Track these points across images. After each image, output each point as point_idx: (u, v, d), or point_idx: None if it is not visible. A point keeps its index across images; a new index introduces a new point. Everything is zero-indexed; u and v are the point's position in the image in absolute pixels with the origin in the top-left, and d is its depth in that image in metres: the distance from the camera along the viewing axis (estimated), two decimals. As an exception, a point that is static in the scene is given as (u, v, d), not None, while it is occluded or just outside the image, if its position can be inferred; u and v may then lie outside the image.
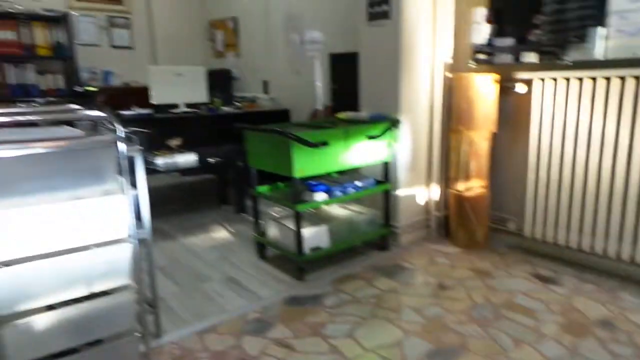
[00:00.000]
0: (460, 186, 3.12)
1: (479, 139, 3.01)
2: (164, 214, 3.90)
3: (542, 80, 2.74)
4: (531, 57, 2.82)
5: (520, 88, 2.91)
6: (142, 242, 1.87)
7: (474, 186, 3.09)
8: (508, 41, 2.91)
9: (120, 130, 1.51)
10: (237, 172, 3.90)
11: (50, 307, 1.53)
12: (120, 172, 1.61)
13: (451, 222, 3.26)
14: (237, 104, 4.75)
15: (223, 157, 3.88)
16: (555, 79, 2.68)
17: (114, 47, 5.82)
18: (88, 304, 1.56)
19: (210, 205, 4.29)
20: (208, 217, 3.95)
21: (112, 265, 1.59)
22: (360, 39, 3.19)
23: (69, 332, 1.54)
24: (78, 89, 3.59)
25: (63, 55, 5.09)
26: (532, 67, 2.82)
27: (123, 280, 1.61)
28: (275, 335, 2.13)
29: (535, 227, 2.95)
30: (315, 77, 3.04)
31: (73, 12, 5.38)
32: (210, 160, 3.81)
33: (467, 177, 3.08)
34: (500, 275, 2.76)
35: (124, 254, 1.61)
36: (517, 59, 2.89)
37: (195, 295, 2.54)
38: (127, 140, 1.55)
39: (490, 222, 3.22)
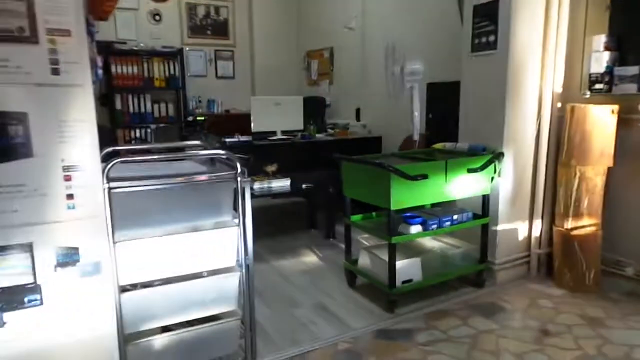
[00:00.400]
0: (569, 223, 2.89)
1: (593, 174, 2.78)
2: (255, 236, 4.08)
3: None
4: None
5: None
6: (246, 269, 1.98)
7: (584, 224, 2.85)
8: (631, 69, 2.68)
9: (239, 167, 1.64)
10: (328, 198, 3.98)
11: (167, 330, 1.68)
12: (234, 205, 1.73)
13: (556, 261, 3.03)
14: (330, 130, 4.88)
15: (315, 183, 3.99)
16: None
17: (218, 77, 6.31)
18: (200, 328, 1.69)
19: (300, 229, 4.41)
20: (298, 240, 4.07)
21: (222, 292, 1.71)
22: (463, 69, 3.14)
23: (182, 352, 1.67)
24: (189, 118, 3.94)
25: (175, 86, 5.64)
26: None
27: (231, 305, 1.72)
28: (368, 369, 2.12)
29: (658, 273, 2.64)
30: (413, 106, 3.04)
31: (186, 47, 5.96)
32: (303, 186, 3.95)
33: (576, 215, 2.86)
34: (615, 324, 2.50)
35: (233, 281, 1.72)
36: (641, 87, 2.65)
37: (288, 321, 2.61)
38: (242, 174, 1.68)
39: (603, 264, 2.94)
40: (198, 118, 3.95)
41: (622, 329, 2.45)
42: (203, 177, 1.61)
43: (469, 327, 2.51)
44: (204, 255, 1.73)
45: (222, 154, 1.72)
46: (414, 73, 3.00)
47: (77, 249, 1.39)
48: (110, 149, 1.72)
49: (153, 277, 1.61)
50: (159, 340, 1.64)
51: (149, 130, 5.70)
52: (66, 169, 1.34)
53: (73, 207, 1.37)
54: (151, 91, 5.59)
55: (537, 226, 3.13)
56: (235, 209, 1.79)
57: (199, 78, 6.14)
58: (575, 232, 2.88)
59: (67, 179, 1.34)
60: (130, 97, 5.49)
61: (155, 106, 5.68)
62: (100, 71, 1.70)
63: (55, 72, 1.29)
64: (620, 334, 2.41)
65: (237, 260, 1.82)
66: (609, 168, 2.82)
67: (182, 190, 1.64)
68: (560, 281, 3.00)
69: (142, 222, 1.61)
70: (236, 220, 1.77)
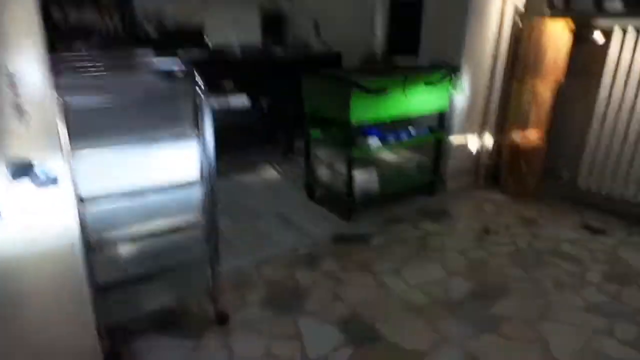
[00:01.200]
0: (516, 135, 3.07)
1: (544, 88, 2.91)
2: (216, 152, 4.09)
3: (624, 30, 2.59)
4: (615, 4, 2.63)
5: (598, 37, 2.74)
6: (208, 178, 2.03)
7: (530, 136, 3.03)
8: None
9: (200, 81, 1.62)
10: (288, 114, 3.99)
11: (132, 240, 1.75)
12: (195, 119, 1.74)
13: (502, 170, 3.25)
14: (289, 46, 4.75)
15: (274, 99, 3.97)
16: (639, 29, 2.53)
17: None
18: (163, 237, 1.76)
19: (260, 145, 4.44)
20: (258, 156, 4.12)
21: (186, 202, 1.77)
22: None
23: (148, 259, 1.76)
24: (137, 32, 3.71)
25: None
26: (614, 15, 2.64)
27: (193, 216, 1.80)
28: (325, 269, 2.31)
29: (590, 179, 2.91)
30: (375, 22, 3.00)
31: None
32: (263, 103, 3.93)
33: (524, 127, 3.03)
34: (547, 224, 2.79)
35: (196, 191, 1.78)
36: (598, 6, 2.70)
37: (250, 231, 2.74)
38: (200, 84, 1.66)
39: (543, 172, 3.18)
40: (148, 33, 3.72)
41: (552, 227, 2.74)
42: (163, 90, 1.59)
43: (419, 230, 2.72)
44: (166, 168, 1.75)
45: (180, 67, 1.69)
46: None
47: (31, 161, 1.39)
48: (56, 60, 1.64)
49: (114, 188, 1.64)
50: (124, 248, 1.71)
51: (93, 42, 5.32)
52: (11, 77, 1.29)
53: (23, 119, 1.34)
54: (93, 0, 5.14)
55: (488, 139, 3.31)
56: (196, 121, 1.80)
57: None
58: (521, 144, 3.07)
59: (13, 86, 1.30)
60: (68, 5, 5.03)
61: (99, 18, 5.24)
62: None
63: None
64: (550, 231, 2.69)
65: (199, 172, 1.87)
66: (559, 83, 2.95)
67: (141, 102, 1.62)
68: (505, 188, 3.25)
69: (97, 134, 1.60)
70: (197, 132, 1.79)
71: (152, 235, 1.80)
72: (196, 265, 1.89)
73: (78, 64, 1.76)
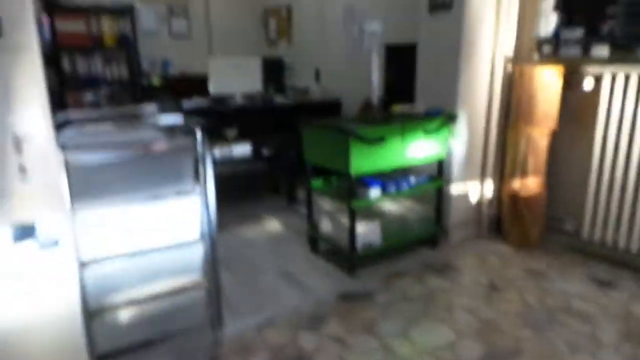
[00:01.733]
0: (516, 184, 3.06)
1: (539, 135, 2.93)
2: (217, 203, 4.06)
3: (614, 75, 2.62)
4: (603, 51, 2.68)
5: (588, 83, 2.78)
6: (210, 238, 1.99)
7: (530, 184, 3.02)
8: (577, 32, 2.78)
9: (199, 135, 1.61)
10: (290, 163, 3.99)
11: (132, 303, 1.68)
12: (195, 173, 1.72)
13: (504, 220, 3.22)
14: (289, 93, 4.83)
15: (276, 148, 3.98)
16: (628, 75, 2.56)
17: (173, 36, 6.02)
18: (164, 300, 1.70)
19: (262, 195, 4.42)
20: (260, 207, 4.08)
21: (186, 263, 1.71)
22: (419, 30, 3.16)
23: (149, 325, 1.68)
24: (143, 82, 3.78)
25: (127, 45, 5.33)
26: (603, 61, 2.69)
27: (196, 276, 1.74)
28: (330, 331, 2.21)
29: (594, 229, 2.87)
30: (372, 69, 3.05)
31: (137, 2, 5.61)
32: (265, 151, 3.94)
33: (523, 175, 3.02)
34: (555, 277, 2.72)
35: (197, 251, 1.73)
36: (586, 51, 2.76)
37: (252, 288, 2.66)
38: (202, 142, 1.65)
39: (546, 221, 3.15)
40: (152, 82, 3.79)
41: (560, 280, 2.67)
42: (163, 146, 1.58)
43: (425, 286, 2.65)
44: (167, 227, 1.72)
45: (182, 123, 1.68)
46: (373, 33, 2.97)
47: (33, 222, 1.35)
48: (62, 116, 1.64)
49: (114, 250, 1.59)
50: (124, 314, 1.64)
51: (100, 93, 5.42)
52: (17, 139, 1.28)
53: (27, 180, 1.32)
54: (101, 51, 5.27)
55: (488, 187, 3.29)
56: (197, 177, 1.77)
57: (152, 36, 5.84)
58: (521, 192, 3.04)
59: (18, 149, 1.28)
60: (78, 57, 5.16)
61: (107, 68, 5.37)
62: (46, 33, 1.59)
63: (-2, 35, 1.20)
64: (559, 284, 2.62)
65: (201, 230, 1.83)
66: (554, 130, 2.97)
67: (142, 158, 1.61)
68: (508, 239, 3.20)
69: (99, 193, 1.57)
70: (198, 189, 1.76)
71: (153, 298, 1.74)
72: (198, 330, 1.81)
73: (83, 120, 1.76)
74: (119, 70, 5.40)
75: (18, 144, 1.28)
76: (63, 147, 1.39)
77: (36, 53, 1.25)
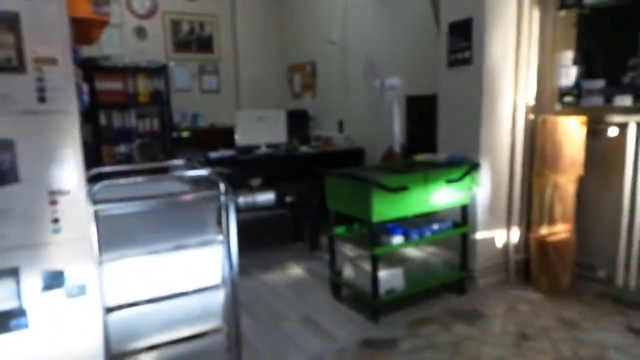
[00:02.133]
0: (544, 230, 3.00)
1: (565, 182, 2.90)
2: (240, 249, 4.12)
3: (639, 123, 2.62)
4: (625, 100, 2.69)
5: (613, 131, 2.78)
6: (231, 285, 2.03)
7: (558, 230, 2.96)
8: (598, 83, 2.81)
9: (223, 186, 1.69)
10: (312, 210, 4.04)
11: (153, 348, 1.72)
12: (218, 223, 1.79)
13: (533, 266, 3.13)
14: (313, 143, 4.96)
15: (299, 195, 4.06)
16: None
17: (203, 91, 6.37)
18: (185, 345, 1.73)
19: (285, 241, 4.45)
20: (283, 253, 4.11)
21: (208, 309, 1.75)
22: (440, 83, 3.25)
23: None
24: (173, 134, 3.99)
25: (160, 101, 5.66)
26: (626, 110, 2.70)
27: (217, 322, 1.77)
28: (352, 379, 2.17)
29: (628, 276, 2.76)
30: (393, 119, 3.14)
31: (171, 62, 6.01)
32: (287, 199, 4.02)
33: (551, 221, 2.97)
34: (588, 326, 2.60)
35: (218, 298, 1.77)
36: (607, 101, 2.78)
37: (274, 335, 2.65)
38: (225, 192, 1.73)
39: (577, 268, 3.05)
40: (182, 134, 3.99)
41: (594, 330, 2.55)
42: (187, 198, 1.67)
43: (451, 333, 2.58)
44: (189, 273, 1.77)
45: (206, 175, 1.77)
46: (393, 87, 3.10)
47: (62, 271, 1.43)
48: (95, 170, 1.76)
49: (138, 296, 1.65)
50: (145, 358, 1.67)
51: (133, 145, 5.71)
52: (52, 193, 1.38)
53: (59, 231, 1.41)
54: (136, 107, 5.60)
55: (515, 233, 3.24)
56: (220, 223, 1.84)
57: (183, 92, 6.19)
58: (550, 238, 2.98)
59: (53, 202, 1.38)
60: (114, 113, 5.51)
61: (140, 121, 5.69)
62: (85, 97, 1.75)
63: (42, 99, 1.34)
64: (593, 334, 2.50)
65: (222, 277, 1.87)
66: (580, 176, 2.94)
67: (167, 209, 1.69)
68: (537, 286, 3.10)
69: (127, 242, 1.65)
70: (221, 237, 1.82)
71: (174, 343, 1.77)
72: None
73: (113, 173, 1.88)
74: (151, 124, 5.71)
75: (53, 198, 1.38)
76: (94, 199, 1.49)
77: (75, 117, 1.38)
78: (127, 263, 1.65)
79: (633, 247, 2.71)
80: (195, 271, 1.81)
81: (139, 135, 5.66)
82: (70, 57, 1.35)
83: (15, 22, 1.28)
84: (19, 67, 1.31)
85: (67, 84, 1.35)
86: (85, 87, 1.70)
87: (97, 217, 1.52)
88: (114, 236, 1.61)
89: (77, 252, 1.48)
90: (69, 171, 1.41)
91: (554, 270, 2.99)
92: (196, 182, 1.83)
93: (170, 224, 1.73)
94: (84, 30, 1.63)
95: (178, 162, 1.95)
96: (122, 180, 1.64)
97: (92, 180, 1.63)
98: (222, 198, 1.74)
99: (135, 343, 1.65)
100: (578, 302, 2.90)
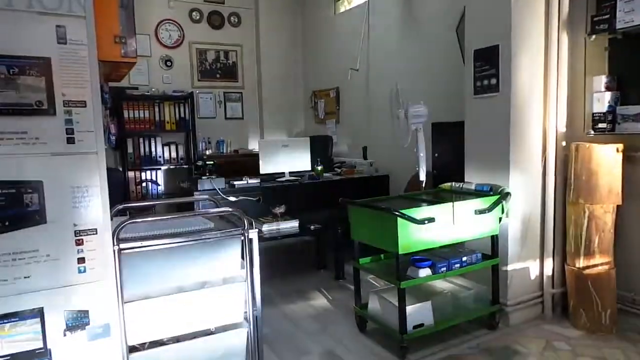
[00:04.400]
0: (581, 262, 2.86)
1: (602, 212, 2.77)
2: (263, 277, 4.07)
3: None
4: None
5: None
6: (254, 323, 1.98)
7: (596, 263, 2.81)
8: (635, 109, 2.70)
9: (246, 223, 1.67)
10: (337, 238, 3.98)
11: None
12: (242, 253, 1.75)
13: (570, 301, 2.97)
14: (337, 170, 4.93)
15: (323, 223, 4.00)
16: None
17: (227, 118, 6.46)
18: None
19: (309, 270, 4.39)
20: (307, 282, 4.04)
21: (230, 347, 1.70)
22: (466, 110, 3.19)
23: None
24: (198, 162, 4.03)
25: (185, 128, 5.77)
26: None
27: (239, 359, 1.72)
28: (380, 423, 2.07)
29: (675, 314, 2.58)
30: (418, 148, 3.09)
31: (196, 90, 6.14)
32: (311, 227, 3.97)
33: (588, 253, 2.82)
34: (635, 369, 2.43)
35: (241, 336, 1.72)
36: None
37: (299, 369, 2.57)
38: (248, 229, 1.71)
39: (619, 303, 2.88)
40: (207, 162, 4.03)
41: (642, 374, 2.38)
42: (211, 236, 1.64)
43: (484, 373, 2.45)
44: (213, 311, 1.73)
45: (230, 211, 1.75)
46: (419, 116, 3.05)
47: (87, 311, 1.42)
48: (121, 206, 1.76)
49: (161, 335, 1.62)
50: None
51: (159, 171, 5.81)
52: (78, 233, 1.38)
53: (84, 271, 1.40)
54: (162, 134, 5.73)
55: (549, 265, 3.09)
56: (243, 256, 1.81)
57: (208, 119, 6.29)
58: (588, 271, 2.83)
59: (79, 243, 1.38)
60: (141, 140, 5.63)
61: (166, 148, 5.80)
62: (113, 137, 1.77)
63: (71, 141, 1.35)
64: (641, 379, 2.34)
65: (245, 313, 1.83)
66: (617, 206, 2.80)
67: (191, 247, 1.67)
68: (576, 322, 2.93)
69: (150, 280, 1.63)
70: (244, 273, 1.79)
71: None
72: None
73: (139, 209, 1.87)
74: (177, 150, 5.81)
75: (79, 238, 1.38)
76: (118, 238, 1.48)
77: (102, 157, 1.38)
78: (150, 302, 1.63)
79: (679, 283, 2.54)
80: (218, 309, 1.77)
81: (165, 161, 5.76)
82: (99, 99, 1.36)
83: (47, 67, 1.31)
84: (50, 110, 1.33)
85: (95, 125, 1.36)
86: (113, 128, 1.72)
87: (122, 256, 1.50)
88: (138, 274, 1.59)
89: (102, 291, 1.46)
90: (94, 211, 1.40)
91: (594, 306, 2.83)
92: (220, 219, 1.81)
93: (193, 261, 1.71)
94: (112, 69, 1.66)
95: (202, 196, 1.93)
96: (147, 219, 1.63)
97: (117, 214, 1.63)
98: (245, 234, 1.71)
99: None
100: (621, 340, 2.72)
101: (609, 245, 2.81)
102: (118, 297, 1.50)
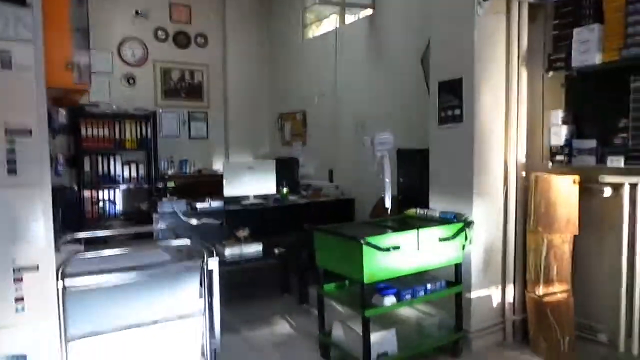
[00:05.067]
0: (540, 290, 2.90)
1: (560, 241, 2.83)
2: (225, 302, 3.93)
3: (632, 184, 2.60)
4: (618, 162, 2.66)
5: (607, 192, 2.74)
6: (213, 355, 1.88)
7: (555, 291, 2.86)
8: (589, 143, 2.80)
9: (206, 256, 1.59)
10: (301, 262, 3.91)
11: None
12: (201, 285, 1.67)
13: (531, 328, 3.01)
14: (302, 192, 4.88)
15: (287, 247, 3.93)
16: None
17: (192, 137, 6.33)
18: None
19: (272, 293, 4.28)
20: (270, 306, 3.93)
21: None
22: (430, 138, 3.24)
23: None
24: (158, 184, 3.90)
25: (147, 147, 5.59)
26: (619, 171, 2.67)
27: (194, 406, 1.62)
28: None
29: (631, 341, 2.65)
30: (384, 174, 3.10)
31: (160, 109, 5.99)
32: (275, 250, 3.89)
33: (547, 281, 2.88)
34: (593, 396, 2.46)
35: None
36: (599, 160, 2.75)
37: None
38: (210, 253, 1.63)
39: (578, 330, 2.93)
40: (168, 184, 3.90)
41: (600, 403, 2.42)
42: (166, 270, 1.55)
43: (447, 405, 2.42)
44: (167, 349, 1.63)
45: (188, 245, 1.67)
46: (384, 143, 3.08)
47: (25, 356, 1.29)
48: (69, 236, 1.65)
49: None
50: None
51: (117, 190, 5.59)
52: (17, 270, 1.27)
53: (22, 310, 1.29)
54: (122, 152, 5.52)
55: (510, 292, 3.14)
56: (202, 283, 1.72)
57: (172, 139, 6.14)
58: (547, 299, 2.88)
59: (18, 280, 1.27)
60: (99, 158, 5.41)
61: (126, 167, 5.59)
62: (61, 168, 1.66)
63: (12, 171, 1.25)
64: (599, 408, 2.37)
65: (203, 351, 1.73)
66: (575, 236, 2.88)
67: (144, 281, 1.58)
68: (536, 348, 2.96)
69: (99, 317, 1.52)
70: (202, 303, 1.70)
71: None
72: None
73: (89, 238, 1.77)
74: (137, 169, 5.61)
75: (18, 276, 1.27)
76: (63, 273, 1.38)
77: (47, 189, 1.28)
78: (98, 339, 1.51)
79: (635, 311, 2.62)
80: (174, 344, 1.67)
81: (124, 180, 5.55)
82: (46, 127, 1.27)
83: (-13, 92, 1.21)
84: (-11, 137, 1.23)
85: (40, 155, 1.27)
86: (62, 158, 1.62)
87: (66, 293, 1.39)
88: (86, 311, 1.48)
89: (43, 332, 1.35)
90: (37, 246, 1.30)
91: (553, 333, 2.87)
92: (178, 252, 1.72)
93: (148, 294, 1.61)
94: (65, 94, 1.56)
95: (161, 226, 1.84)
96: (95, 253, 1.53)
97: (63, 245, 1.52)
98: (205, 267, 1.63)
99: None
100: (579, 367, 2.77)
101: (567, 273, 2.87)
102: (61, 337, 1.38)
